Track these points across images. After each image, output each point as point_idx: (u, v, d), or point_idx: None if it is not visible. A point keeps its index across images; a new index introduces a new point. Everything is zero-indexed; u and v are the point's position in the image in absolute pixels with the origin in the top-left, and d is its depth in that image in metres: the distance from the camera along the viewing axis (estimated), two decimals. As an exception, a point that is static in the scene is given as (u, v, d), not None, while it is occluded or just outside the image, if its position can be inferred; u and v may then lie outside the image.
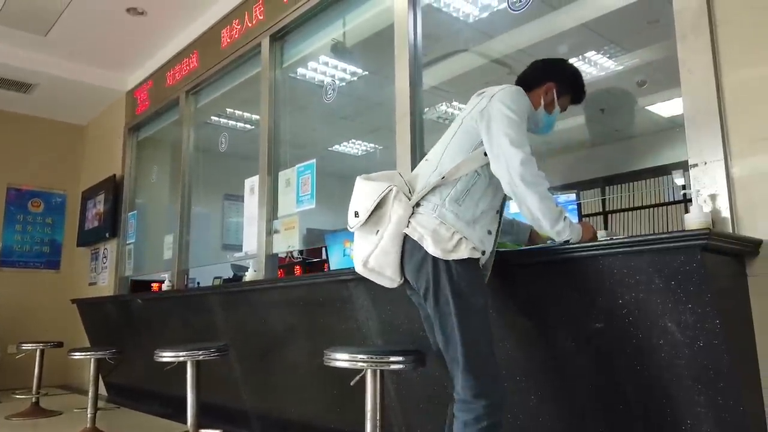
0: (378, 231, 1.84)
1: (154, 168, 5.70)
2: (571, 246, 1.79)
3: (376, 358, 1.90)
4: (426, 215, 1.81)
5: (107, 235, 5.80)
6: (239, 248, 4.23)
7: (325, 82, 3.83)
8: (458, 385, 1.72)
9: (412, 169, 2.69)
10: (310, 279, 3.07)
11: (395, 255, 1.82)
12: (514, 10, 2.70)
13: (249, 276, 3.69)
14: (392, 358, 1.89)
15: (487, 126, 1.85)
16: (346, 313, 2.69)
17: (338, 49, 3.77)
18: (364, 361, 1.89)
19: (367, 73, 3.96)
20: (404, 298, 2.04)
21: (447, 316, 1.74)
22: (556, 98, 2.04)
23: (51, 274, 6.53)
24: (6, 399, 5.19)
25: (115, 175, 5.93)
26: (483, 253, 1.81)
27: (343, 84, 3.85)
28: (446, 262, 1.74)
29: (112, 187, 5.86)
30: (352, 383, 1.99)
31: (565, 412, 2.00)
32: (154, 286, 4.92)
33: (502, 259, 1.95)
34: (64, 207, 6.71)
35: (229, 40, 4.45)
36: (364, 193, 1.88)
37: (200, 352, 2.79)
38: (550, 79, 2.05)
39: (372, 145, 5.09)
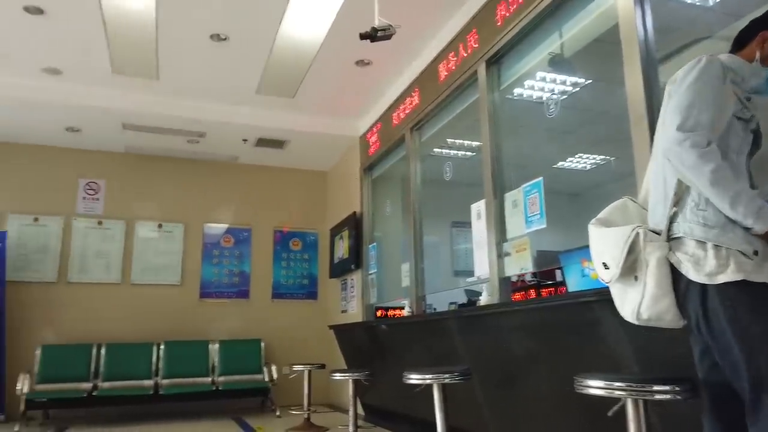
0: (637, 277, 1.68)
1: (387, 202, 6.16)
2: None
3: (637, 386, 1.73)
4: (676, 240, 1.64)
5: (353, 266, 6.41)
6: (469, 274, 4.29)
7: (544, 98, 3.73)
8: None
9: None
10: (548, 302, 2.96)
11: (669, 299, 1.64)
12: (768, -21, 2.30)
13: (483, 300, 3.71)
14: (657, 387, 1.70)
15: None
16: (593, 337, 2.51)
17: (557, 62, 3.65)
18: (622, 390, 1.74)
19: (590, 81, 3.75)
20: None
21: (728, 351, 1.52)
22: None
23: (311, 304, 7.45)
24: (284, 414, 6.01)
25: (355, 212, 6.56)
26: (756, 253, 1.54)
27: (565, 97, 3.70)
28: (715, 287, 1.52)
29: (354, 223, 6.49)
30: (609, 413, 1.84)
31: None
32: (396, 312, 5.25)
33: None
34: (316, 244, 7.65)
35: (446, 73, 4.64)
36: (607, 242, 1.75)
37: (445, 375, 2.87)
38: (764, 28, 1.73)
39: (602, 157, 4.77)
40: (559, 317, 2.71)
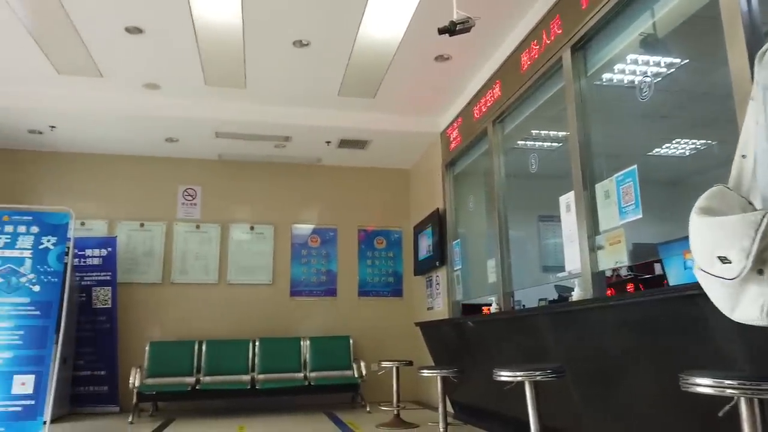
0: (762, 271, 1.51)
1: (471, 198, 6.08)
2: None
3: (751, 384, 1.60)
4: None
5: (437, 263, 6.39)
6: (559, 269, 4.14)
7: (636, 82, 3.53)
8: None
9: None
10: (648, 296, 2.80)
11: None
12: None
13: (576, 296, 3.58)
14: (774, 386, 1.57)
15: None
16: (698, 334, 2.35)
17: (649, 43, 3.44)
18: (734, 388, 1.62)
19: (687, 61, 3.51)
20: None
21: None
22: None
23: (396, 301, 7.51)
24: (374, 410, 6.10)
25: (438, 209, 6.54)
26: None
27: (659, 79, 3.48)
28: None
29: (437, 220, 6.47)
30: (720, 413, 1.72)
31: None
32: (484, 309, 5.18)
33: None
34: (400, 242, 7.70)
35: (529, 62, 4.51)
36: (724, 232, 1.57)
37: (537, 373, 2.80)
38: None
39: (702, 141, 4.44)
40: (661, 312, 2.55)
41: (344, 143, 6.91)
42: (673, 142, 4.55)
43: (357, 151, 7.22)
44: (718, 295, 1.63)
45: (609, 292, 4.26)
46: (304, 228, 7.52)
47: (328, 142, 6.89)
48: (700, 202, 1.73)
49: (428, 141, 6.88)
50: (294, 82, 5.71)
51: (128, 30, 4.71)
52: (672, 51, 3.48)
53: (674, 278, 2.84)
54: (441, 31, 3.41)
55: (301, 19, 4.61)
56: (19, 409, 4.65)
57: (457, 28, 3.38)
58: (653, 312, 2.60)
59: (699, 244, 1.65)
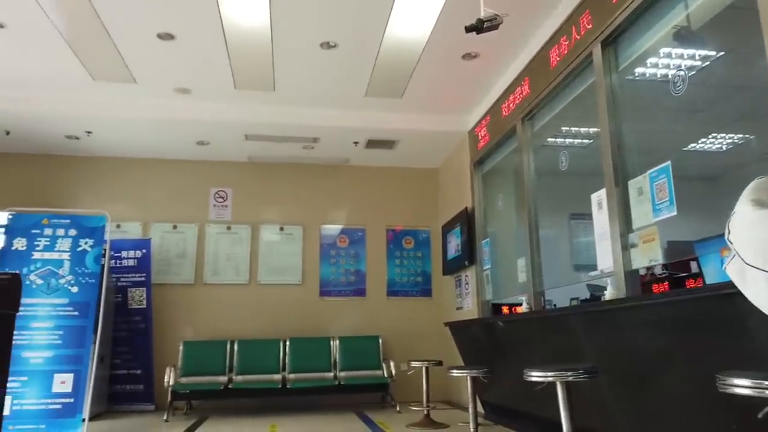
0: None
1: (500, 196, 6.03)
2: None
3: (794, 386, 1.54)
4: None
5: (466, 263, 6.35)
6: (591, 268, 4.07)
7: (670, 76, 3.45)
8: None
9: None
10: (685, 295, 2.73)
11: None
12: None
13: (609, 295, 3.51)
14: (820, 388, 1.51)
15: None
16: (735, 334, 2.28)
17: (682, 36, 3.36)
18: (775, 390, 1.56)
19: (722, 53, 3.41)
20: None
21: None
22: None
23: (425, 301, 7.49)
24: (404, 410, 6.10)
25: (466, 208, 6.50)
26: None
27: (693, 73, 3.39)
28: None
29: (466, 219, 6.43)
30: (759, 415, 1.66)
31: None
32: (514, 308, 5.13)
33: None
34: (429, 241, 7.68)
35: (558, 59, 4.45)
36: None
37: (569, 373, 2.75)
38: None
39: (740, 135, 4.31)
40: (697, 312, 2.49)
41: (372, 143, 6.93)
42: (709, 136, 4.42)
43: (385, 151, 7.23)
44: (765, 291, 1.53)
45: (643, 291, 4.17)
46: (333, 228, 7.57)
47: (356, 143, 6.91)
48: (752, 194, 1.62)
49: (456, 140, 6.85)
50: (321, 84, 5.75)
51: (160, 36, 4.81)
52: (707, 43, 3.39)
53: (711, 276, 2.76)
54: (468, 29, 3.39)
55: (328, 20, 4.64)
56: (59, 406, 4.80)
57: (484, 26, 3.35)
58: (689, 311, 2.54)
59: (752, 239, 1.54)
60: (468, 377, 4.24)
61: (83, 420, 4.77)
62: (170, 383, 6.01)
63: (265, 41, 4.90)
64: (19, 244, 5.22)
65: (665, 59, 3.58)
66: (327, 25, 4.72)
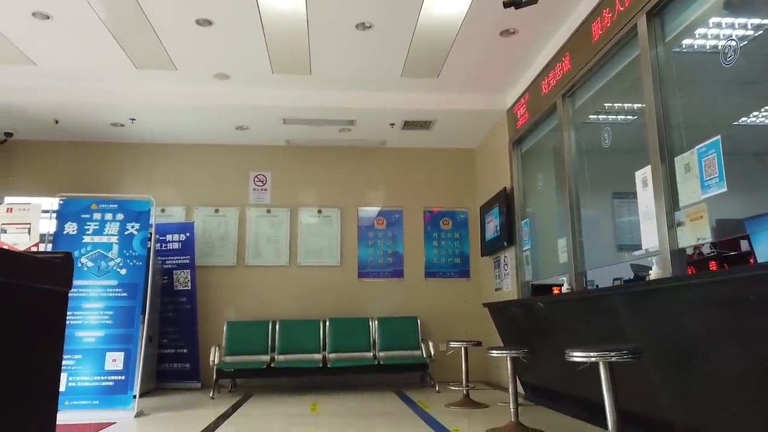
0: None
1: (539, 176, 5.92)
2: None
3: None
4: None
5: (505, 243, 6.29)
6: (636, 247, 3.97)
7: (720, 46, 3.30)
8: None
9: None
10: (734, 274, 2.64)
11: None
12: None
13: (654, 275, 3.43)
14: None
15: None
16: (791, 313, 2.20)
17: (734, 4, 3.20)
18: (834, 372, 1.50)
19: (778, 20, 3.23)
20: None
21: None
22: None
23: (464, 282, 7.47)
24: (443, 390, 6.13)
25: (505, 188, 6.42)
26: None
27: (745, 43, 3.23)
28: None
29: (504, 200, 6.35)
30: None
31: None
32: (555, 289, 5.06)
33: None
34: (467, 222, 7.63)
35: (600, 32, 4.31)
36: None
37: (612, 354, 2.71)
38: None
39: (796, 107, 4.10)
40: (748, 291, 2.40)
41: (408, 124, 6.89)
42: (762, 110, 4.23)
43: (421, 132, 7.18)
44: None
45: (690, 270, 4.05)
46: (370, 210, 7.59)
47: (393, 124, 6.89)
48: None
49: (494, 119, 6.74)
50: (357, 66, 5.74)
51: (198, 22, 4.87)
52: (760, 11, 3.22)
53: (763, 255, 2.66)
54: (506, 5, 3.32)
55: (363, 1, 4.61)
56: (111, 383, 5.02)
57: (523, 1, 3.27)
58: (739, 291, 2.45)
59: None
60: (508, 358, 4.22)
61: (134, 396, 4.98)
62: (215, 362, 6.19)
63: (301, 25, 4.91)
64: (71, 228, 5.44)
65: (715, 29, 3.42)
66: (362, 6, 4.69)
